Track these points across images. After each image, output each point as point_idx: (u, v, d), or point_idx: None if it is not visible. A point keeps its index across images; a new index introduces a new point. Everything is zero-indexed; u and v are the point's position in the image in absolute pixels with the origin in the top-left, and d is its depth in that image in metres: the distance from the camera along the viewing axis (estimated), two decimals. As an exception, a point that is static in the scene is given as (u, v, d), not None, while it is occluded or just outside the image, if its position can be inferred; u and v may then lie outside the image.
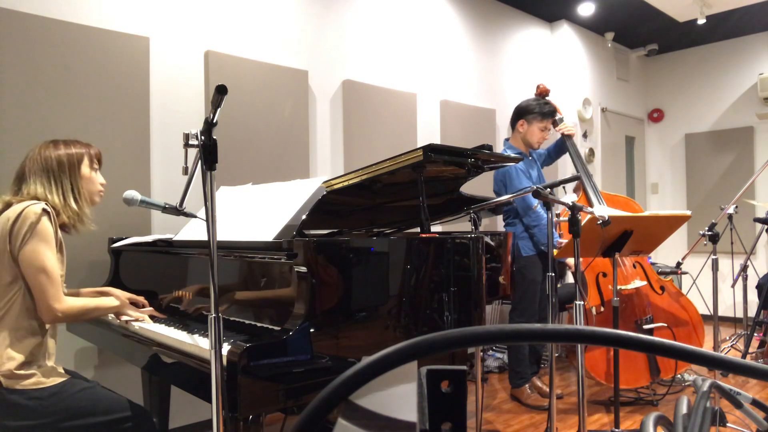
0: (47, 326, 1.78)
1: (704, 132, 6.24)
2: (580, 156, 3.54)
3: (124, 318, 1.98)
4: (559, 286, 4.15)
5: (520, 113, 3.41)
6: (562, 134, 3.49)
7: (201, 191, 1.34)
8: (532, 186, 2.61)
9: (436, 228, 2.88)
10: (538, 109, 3.34)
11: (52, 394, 1.67)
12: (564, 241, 3.08)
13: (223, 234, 2.01)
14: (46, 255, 1.69)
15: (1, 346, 1.68)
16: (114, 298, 1.99)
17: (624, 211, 3.15)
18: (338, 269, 1.62)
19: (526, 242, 3.29)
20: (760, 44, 5.90)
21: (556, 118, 3.42)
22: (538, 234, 3.22)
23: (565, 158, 3.87)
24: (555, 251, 2.71)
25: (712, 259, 3.20)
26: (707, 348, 2.70)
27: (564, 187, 3.12)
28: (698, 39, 6.05)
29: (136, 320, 1.96)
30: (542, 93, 3.52)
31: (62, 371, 1.79)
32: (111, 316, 2.07)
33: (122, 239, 2.46)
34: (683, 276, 5.07)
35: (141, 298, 2.13)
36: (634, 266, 3.38)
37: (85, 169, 1.88)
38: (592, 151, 5.63)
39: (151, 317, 2.01)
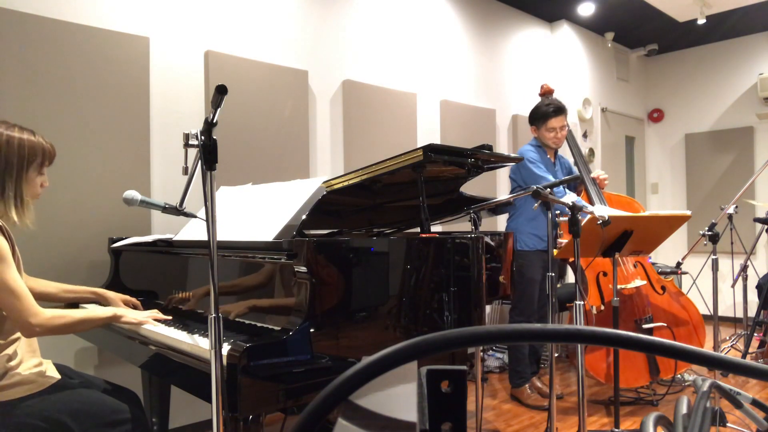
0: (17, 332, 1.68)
1: (704, 132, 6.24)
2: (581, 156, 3.54)
3: (129, 325, 1.89)
4: (559, 285, 4.16)
5: (530, 119, 3.39)
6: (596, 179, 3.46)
7: (201, 191, 1.34)
8: (532, 186, 2.61)
9: (436, 228, 2.88)
10: (542, 112, 3.32)
11: (42, 399, 1.61)
12: (564, 240, 3.07)
13: (223, 234, 2.01)
14: (8, 274, 1.55)
15: None
16: (108, 308, 1.89)
17: (624, 211, 3.15)
18: (338, 269, 1.62)
19: (524, 237, 3.28)
20: (760, 44, 5.90)
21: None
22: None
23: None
24: (555, 251, 2.71)
25: (712, 259, 3.19)
26: (707, 348, 2.70)
27: (564, 188, 3.11)
28: (698, 39, 6.05)
29: (140, 324, 1.87)
30: (546, 93, 3.51)
31: (53, 369, 1.73)
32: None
33: (122, 239, 2.46)
34: (683, 276, 5.07)
35: (135, 300, 2.08)
36: (635, 266, 3.38)
37: (33, 173, 1.66)
38: (592, 151, 5.63)
39: (155, 318, 1.93)
